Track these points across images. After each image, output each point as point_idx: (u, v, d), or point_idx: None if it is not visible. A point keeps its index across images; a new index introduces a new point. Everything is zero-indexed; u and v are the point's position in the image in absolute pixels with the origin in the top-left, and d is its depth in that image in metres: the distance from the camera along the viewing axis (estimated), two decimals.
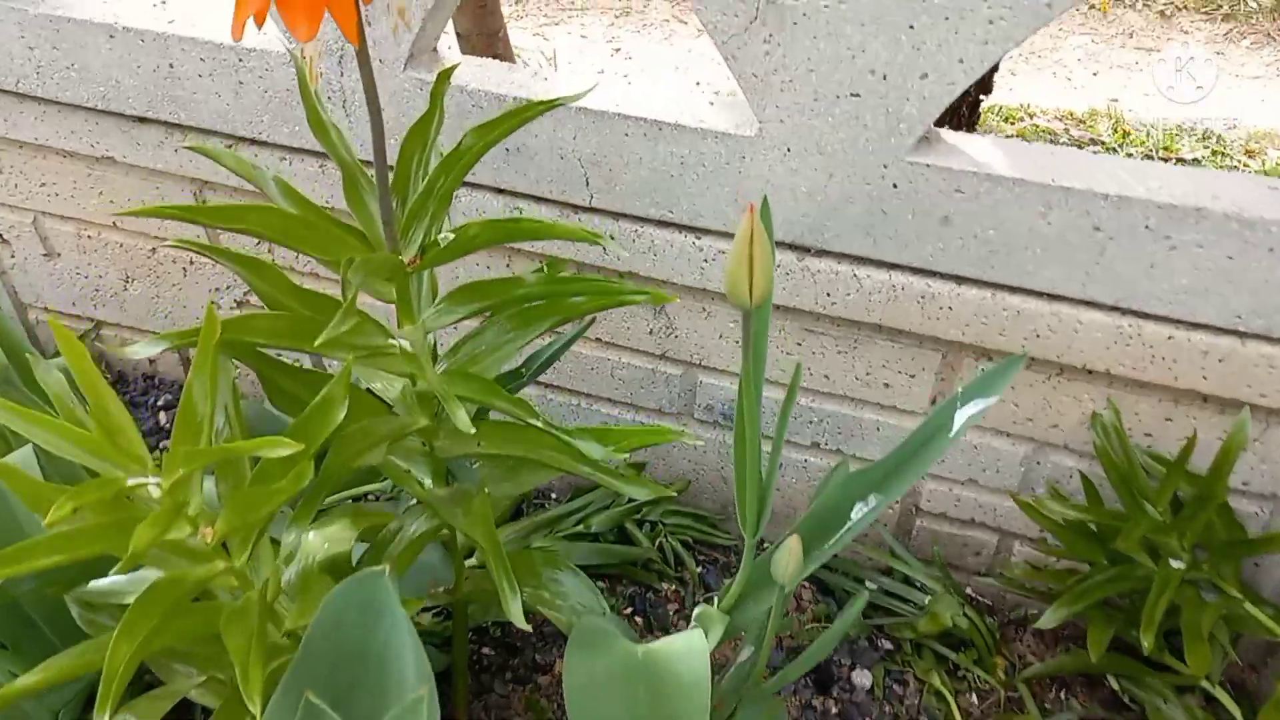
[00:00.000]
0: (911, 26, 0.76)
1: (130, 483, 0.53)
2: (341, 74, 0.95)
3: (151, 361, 1.39)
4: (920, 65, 0.78)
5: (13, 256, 1.32)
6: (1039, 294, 0.86)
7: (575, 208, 0.98)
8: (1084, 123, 2.26)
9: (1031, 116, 2.30)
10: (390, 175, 0.67)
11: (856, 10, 0.76)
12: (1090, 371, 0.90)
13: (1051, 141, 2.18)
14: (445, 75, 0.73)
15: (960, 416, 0.73)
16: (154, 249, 1.23)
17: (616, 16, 3.25)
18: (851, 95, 0.80)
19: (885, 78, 0.79)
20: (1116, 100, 2.38)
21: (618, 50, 2.99)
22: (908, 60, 0.77)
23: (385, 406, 0.78)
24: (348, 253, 0.67)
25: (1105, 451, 0.91)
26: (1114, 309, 0.85)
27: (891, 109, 0.80)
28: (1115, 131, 2.20)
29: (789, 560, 0.67)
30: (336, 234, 0.67)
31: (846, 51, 0.78)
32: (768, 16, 0.79)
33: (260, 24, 0.54)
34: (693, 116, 0.88)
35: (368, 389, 0.77)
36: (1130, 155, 2.13)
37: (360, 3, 0.57)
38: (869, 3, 0.75)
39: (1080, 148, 2.18)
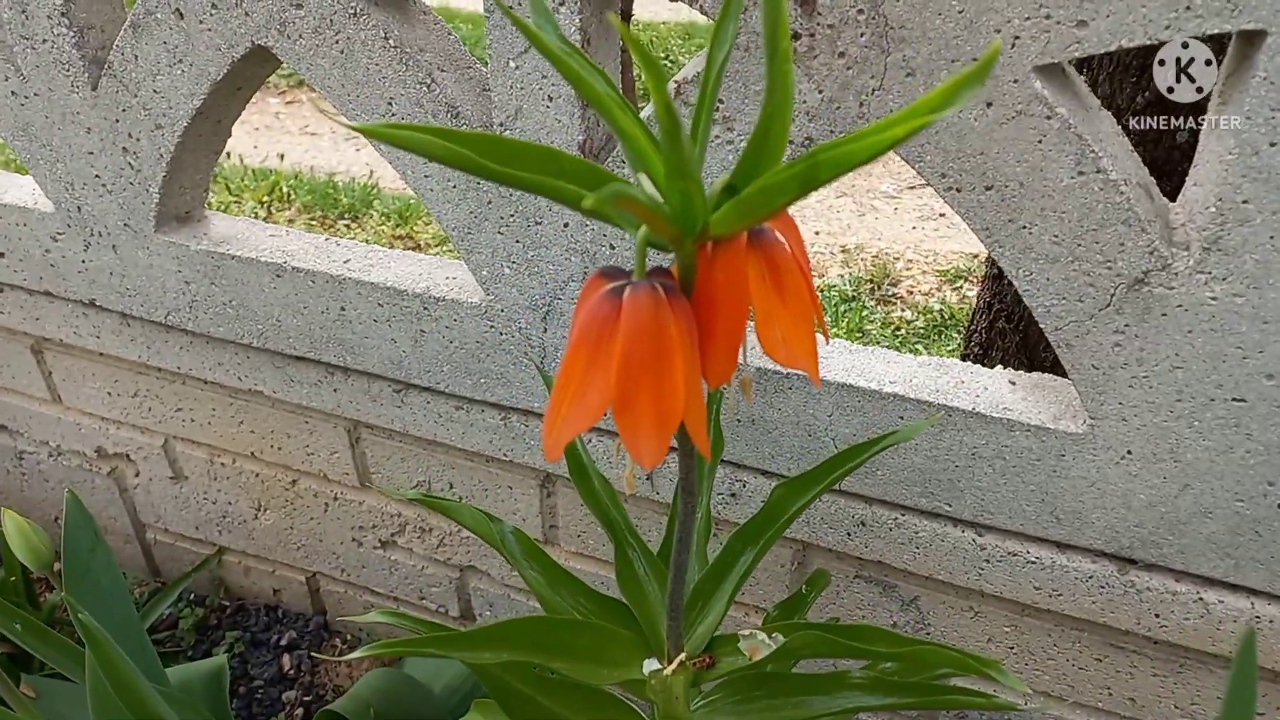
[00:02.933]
0: None
1: None
2: (545, 330, 0.81)
3: (276, 592, 1.23)
4: None
5: (137, 476, 1.20)
6: None
7: None
8: None
9: None
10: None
11: (1261, 307, 0.58)
12: None
13: None
14: (717, 405, 0.57)
15: None
16: (295, 480, 1.09)
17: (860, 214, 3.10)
18: (1234, 400, 0.62)
19: None
20: None
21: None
22: None
23: None
24: (623, 655, 0.50)
25: None
26: None
27: None
28: None
29: None
30: (609, 631, 0.50)
31: (1235, 351, 0.60)
32: (1125, 305, 0.62)
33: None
34: (992, 403, 0.70)
35: None
36: None
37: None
38: None
39: None
